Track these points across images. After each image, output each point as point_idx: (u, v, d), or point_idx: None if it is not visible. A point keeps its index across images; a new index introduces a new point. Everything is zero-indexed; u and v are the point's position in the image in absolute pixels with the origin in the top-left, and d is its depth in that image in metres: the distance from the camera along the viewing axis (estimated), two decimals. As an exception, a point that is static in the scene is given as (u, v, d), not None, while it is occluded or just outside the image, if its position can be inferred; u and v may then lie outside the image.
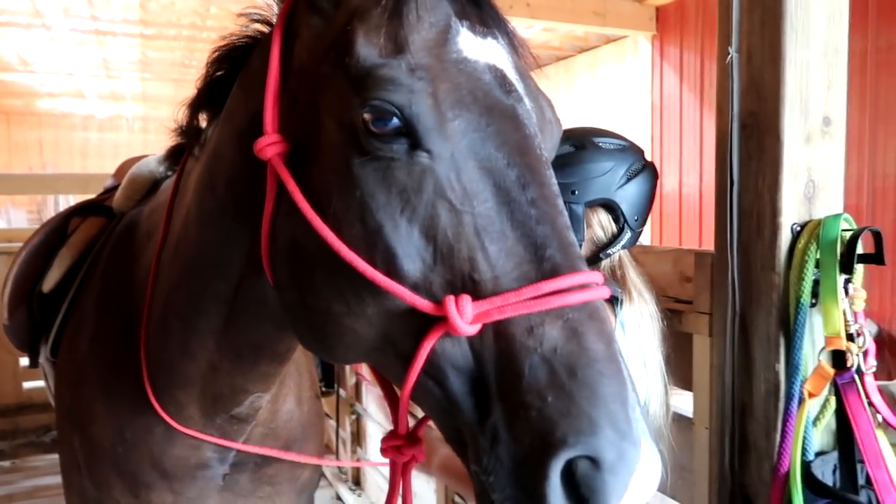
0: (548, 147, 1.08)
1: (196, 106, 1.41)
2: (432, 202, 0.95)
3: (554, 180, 1.01)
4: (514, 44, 1.11)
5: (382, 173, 0.96)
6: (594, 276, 0.94)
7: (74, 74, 11.78)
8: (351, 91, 0.98)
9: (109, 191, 2.45)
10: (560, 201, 0.99)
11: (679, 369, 2.09)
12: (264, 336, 1.34)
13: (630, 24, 8.08)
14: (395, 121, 0.94)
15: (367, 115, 0.95)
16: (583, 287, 0.91)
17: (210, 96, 1.37)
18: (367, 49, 0.98)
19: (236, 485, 1.65)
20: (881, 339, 5.38)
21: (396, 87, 0.94)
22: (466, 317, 0.89)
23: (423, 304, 0.93)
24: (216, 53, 1.35)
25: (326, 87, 1.04)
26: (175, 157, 1.67)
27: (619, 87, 9.13)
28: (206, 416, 1.51)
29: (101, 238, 1.97)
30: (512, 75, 1.04)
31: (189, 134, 1.45)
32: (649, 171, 1.74)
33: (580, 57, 9.91)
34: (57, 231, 2.17)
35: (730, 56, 1.63)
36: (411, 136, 0.95)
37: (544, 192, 0.97)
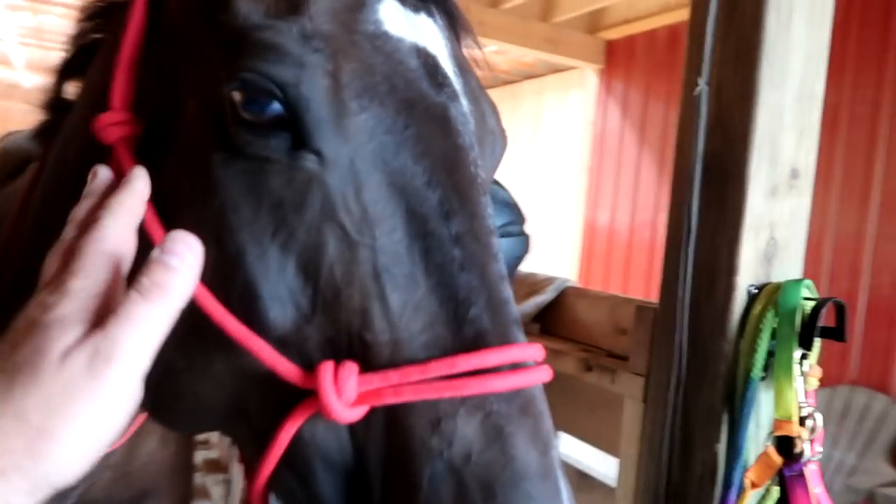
0: (486, 166, 0.84)
1: (62, 73, 1.12)
2: (317, 226, 0.68)
3: (489, 211, 0.76)
4: (456, 26, 0.87)
5: (252, 178, 0.70)
6: (532, 352, 0.69)
7: (3, 40, 11.00)
8: (220, 60, 0.72)
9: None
10: (495, 241, 0.74)
11: (603, 430, 1.87)
12: None
13: (580, 54, 8.03)
14: (276, 105, 0.68)
15: (236, 94, 0.69)
16: (516, 367, 0.67)
17: (79, 62, 1.08)
18: (249, 4, 0.72)
19: None
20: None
21: (281, 58, 0.68)
22: (347, 395, 0.64)
23: (288, 370, 0.66)
24: (90, 9, 1.06)
25: (193, 53, 0.78)
26: (45, 134, 1.36)
27: (562, 117, 9.09)
28: None
29: None
30: (447, 65, 0.79)
31: (53, 107, 1.16)
32: (522, 241, 1.56)
33: (526, 83, 9.85)
34: None
35: (699, 88, 1.43)
36: (296, 129, 0.68)
37: (474, 227, 0.71)
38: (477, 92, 0.86)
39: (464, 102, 0.78)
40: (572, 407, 1.99)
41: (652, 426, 1.54)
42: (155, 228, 0.72)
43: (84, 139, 0.96)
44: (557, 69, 9.16)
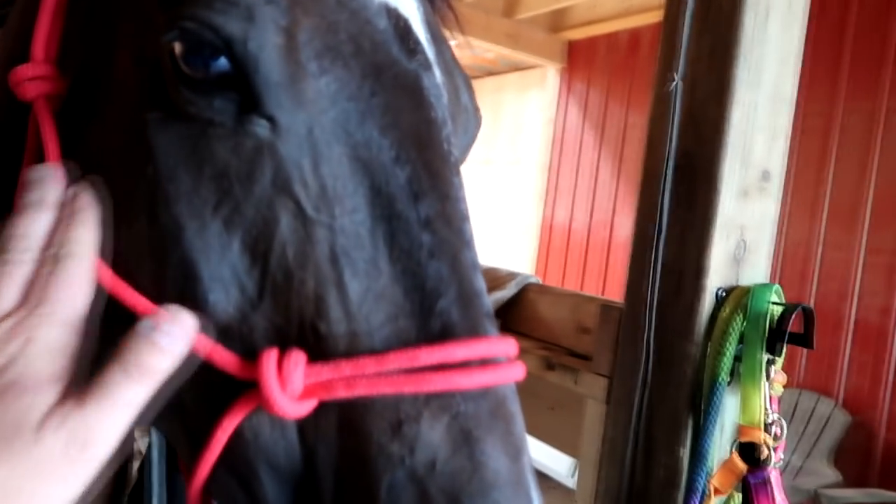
0: (460, 144, 0.78)
1: None
2: (268, 200, 0.60)
3: (463, 193, 0.69)
4: None
5: (192, 143, 0.61)
6: (505, 346, 0.63)
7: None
8: (158, 5, 0.63)
9: None
10: (469, 226, 0.67)
11: (563, 430, 1.84)
12: None
13: (541, 52, 8.02)
14: (222, 61, 0.59)
15: (176, 46, 0.60)
16: (486, 363, 0.59)
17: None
18: None
19: None
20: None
21: (227, 8, 0.59)
22: (292, 386, 0.56)
23: (226, 359, 0.58)
24: None
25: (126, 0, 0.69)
26: None
27: (522, 115, 9.09)
28: None
29: None
30: (420, 30, 0.71)
31: None
32: None
33: (487, 80, 9.82)
34: None
35: (673, 83, 1.39)
36: (245, 90, 0.60)
37: (446, 210, 0.64)
38: (451, 64, 0.78)
39: (437, 73, 0.71)
40: (532, 406, 1.94)
41: (614, 428, 1.51)
42: None
43: (3, 96, 0.86)
44: (518, 67, 9.15)
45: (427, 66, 0.69)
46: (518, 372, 0.63)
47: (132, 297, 0.60)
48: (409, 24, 0.69)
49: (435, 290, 0.60)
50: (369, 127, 0.63)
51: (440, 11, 0.79)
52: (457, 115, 0.77)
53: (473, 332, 0.61)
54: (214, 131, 0.60)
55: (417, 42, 0.69)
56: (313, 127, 0.61)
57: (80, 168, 0.65)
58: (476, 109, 0.85)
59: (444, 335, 0.59)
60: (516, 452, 0.59)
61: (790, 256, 5.56)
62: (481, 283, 0.65)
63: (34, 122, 0.70)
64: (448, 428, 0.57)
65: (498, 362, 0.61)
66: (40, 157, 0.70)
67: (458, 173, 0.69)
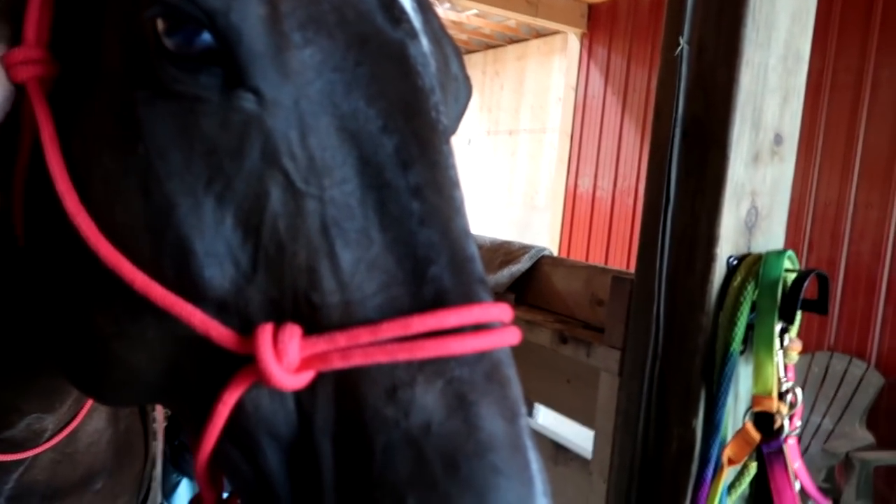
0: (449, 113, 0.76)
1: None
2: (258, 174, 0.60)
3: (453, 160, 0.68)
4: None
5: (181, 120, 0.61)
6: (498, 311, 0.62)
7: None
8: None
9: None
10: (459, 193, 0.67)
11: (579, 403, 1.83)
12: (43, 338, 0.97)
13: (561, 18, 7.87)
14: (206, 36, 0.59)
15: (159, 22, 0.60)
16: (479, 329, 0.59)
17: None
18: None
19: None
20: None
21: None
22: (288, 359, 0.57)
23: (223, 334, 0.59)
24: None
25: None
26: None
27: (545, 81, 8.96)
28: None
29: None
30: None
31: None
32: None
33: (509, 48, 9.69)
34: None
35: (679, 47, 1.35)
36: (229, 64, 0.60)
37: (436, 177, 0.64)
38: (439, 33, 0.77)
39: (424, 41, 0.70)
40: (549, 379, 1.94)
41: (628, 401, 1.50)
42: (59, 179, 0.65)
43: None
44: (540, 34, 9.01)
45: (413, 34, 0.68)
46: (512, 336, 0.62)
47: (131, 273, 0.61)
48: None
49: (426, 257, 0.60)
50: (355, 97, 0.62)
51: None
52: (446, 84, 0.76)
53: (466, 297, 0.60)
54: (202, 107, 0.60)
55: (403, 11, 0.68)
56: (299, 99, 0.61)
57: (76, 149, 0.66)
58: (466, 78, 0.84)
59: (436, 302, 0.59)
60: (512, 415, 0.58)
61: (820, 217, 5.44)
62: (473, 249, 0.64)
63: (28, 105, 0.70)
64: (442, 392, 0.57)
65: (492, 327, 0.60)
66: (36, 140, 0.71)
67: (447, 141, 0.69)
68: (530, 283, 2.06)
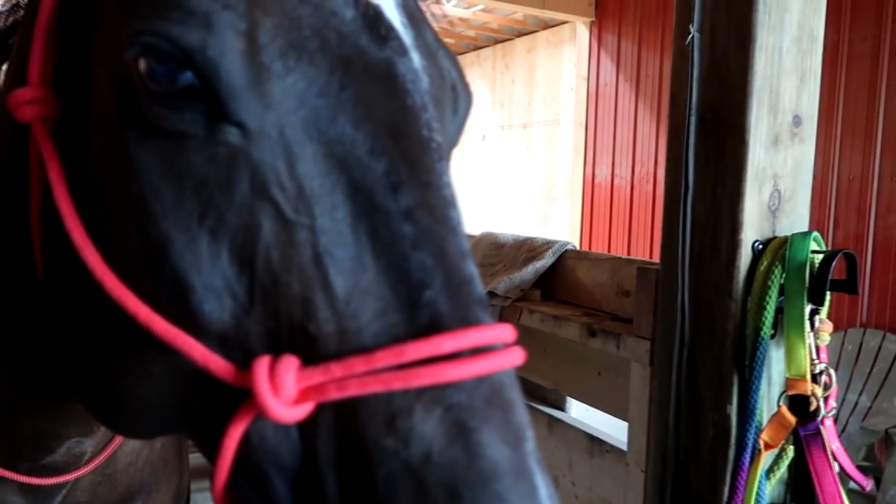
0: (446, 128, 0.75)
1: None
2: (249, 207, 0.60)
3: (447, 178, 0.67)
4: None
5: (171, 158, 0.61)
6: (498, 332, 0.61)
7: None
8: (120, 21, 0.63)
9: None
10: (455, 212, 0.65)
11: (611, 394, 1.83)
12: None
13: (569, 8, 7.83)
14: (187, 74, 0.59)
15: (140, 62, 0.60)
16: (478, 353, 0.58)
17: (4, 47, 0.99)
18: None
19: None
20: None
21: (184, 17, 0.58)
22: (285, 392, 0.57)
23: (221, 368, 0.59)
24: None
25: (101, 17, 0.69)
26: None
27: (556, 72, 8.92)
28: (5, 465, 1.15)
29: None
30: (393, 15, 0.69)
31: None
32: None
33: (518, 41, 9.66)
34: None
35: (690, 35, 1.35)
36: (211, 99, 0.60)
37: (428, 199, 0.63)
38: (433, 46, 0.76)
39: (414, 57, 0.69)
40: (579, 372, 1.95)
41: (660, 390, 1.50)
42: (68, 220, 0.66)
43: (9, 123, 0.89)
44: (548, 25, 8.97)
45: (402, 51, 0.67)
46: (515, 358, 0.61)
47: (135, 307, 0.62)
48: (380, 10, 0.67)
49: (420, 281, 0.59)
50: (342, 122, 0.62)
51: None
52: (442, 98, 0.75)
53: (463, 321, 0.59)
54: (189, 143, 0.61)
55: (390, 28, 0.67)
56: (284, 128, 0.61)
57: (81, 186, 0.68)
58: (465, 86, 0.82)
59: (432, 327, 0.58)
60: (516, 440, 0.57)
61: (844, 193, 5.36)
62: (471, 270, 0.63)
63: (34, 143, 0.73)
64: (441, 420, 0.56)
65: (491, 350, 0.59)
66: (44, 178, 0.73)
67: (440, 159, 0.67)
68: (555, 278, 2.06)
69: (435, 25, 0.81)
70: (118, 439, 1.28)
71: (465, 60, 10.44)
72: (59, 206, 0.67)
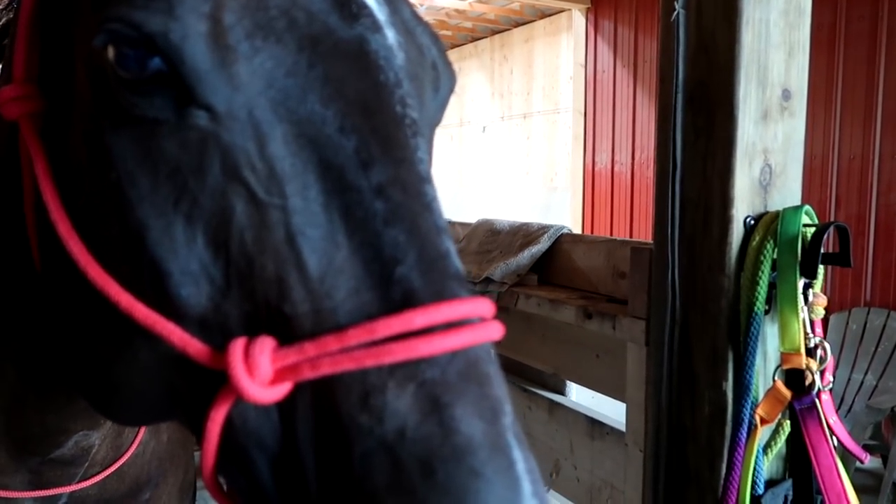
0: (427, 107, 0.74)
1: None
2: (221, 190, 0.61)
3: (421, 154, 0.67)
4: None
5: (144, 145, 0.62)
6: (475, 307, 0.60)
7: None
8: (92, 10, 0.64)
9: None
10: (429, 188, 0.65)
11: (610, 376, 1.83)
12: None
13: (565, -5, 7.83)
14: (156, 60, 0.59)
15: (109, 50, 0.61)
16: (451, 327, 0.58)
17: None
18: None
19: None
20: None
21: (147, 2, 0.59)
22: (261, 373, 0.57)
23: (199, 351, 0.60)
24: None
25: (76, 9, 0.70)
26: None
27: (554, 61, 8.90)
28: (15, 459, 1.16)
29: None
30: None
31: None
32: None
33: (515, 31, 9.63)
34: None
35: (676, 12, 1.34)
36: (179, 84, 0.60)
37: (401, 174, 0.62)
38: (411, 23, 0.75)
39: (389, 34, 0.68)
40: (577, 355, 1.95)
41: (656, 369, 1.50)
42: (53, 210, 0.67)
43: (4, 121, 0.90)
44: (544, 15, 8.94)
45: (374, 28, 0.67)
46: (491, 332, 0.60)
47: (117, 294, 0.62)
48: None
49: (393, 257, 0.59)
50: (311, 100, 0.61)
51: None
52: (422, 75, 0.74)
53: (437, 296, 0.58)
54: (161, 130, 0.61)
55: (362, 5, 0.67)
56: (253, 109, 0.61)
57: (65, 179, 0.68)
58: (447, 65, 0.81)
59: (404, 303, 0.58)
60: (492, 414, 0.56)
61: (845, 172, 5.34)
62: (446, 245, 0.63)
63: (22, 139, 0.73)
64: (415, 396, 0.56)
65: (467, 324, 0.59)
66: (33, 172, 0.73)
67: (414, 135, 0.67)
68: (552, 263, 2.06)
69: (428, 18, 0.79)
70: (131, 448, 1.30)
71: (462, 52, 10.41)
72: (45, 198, 0.68)
